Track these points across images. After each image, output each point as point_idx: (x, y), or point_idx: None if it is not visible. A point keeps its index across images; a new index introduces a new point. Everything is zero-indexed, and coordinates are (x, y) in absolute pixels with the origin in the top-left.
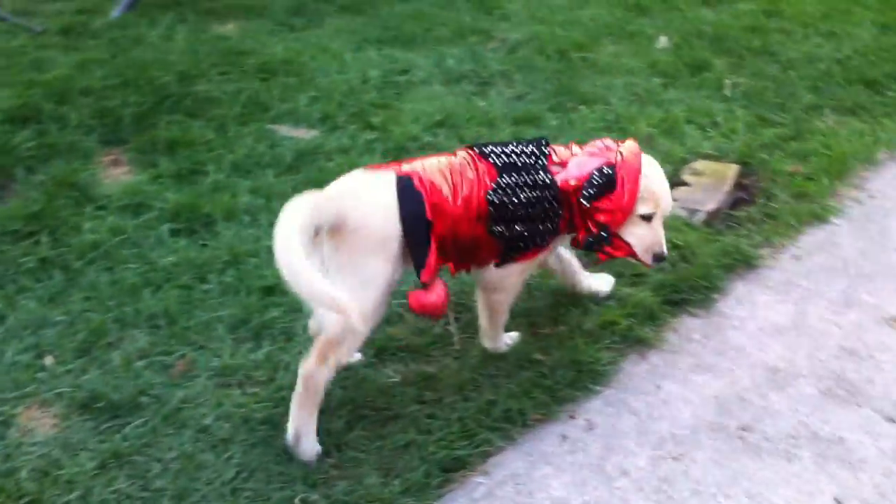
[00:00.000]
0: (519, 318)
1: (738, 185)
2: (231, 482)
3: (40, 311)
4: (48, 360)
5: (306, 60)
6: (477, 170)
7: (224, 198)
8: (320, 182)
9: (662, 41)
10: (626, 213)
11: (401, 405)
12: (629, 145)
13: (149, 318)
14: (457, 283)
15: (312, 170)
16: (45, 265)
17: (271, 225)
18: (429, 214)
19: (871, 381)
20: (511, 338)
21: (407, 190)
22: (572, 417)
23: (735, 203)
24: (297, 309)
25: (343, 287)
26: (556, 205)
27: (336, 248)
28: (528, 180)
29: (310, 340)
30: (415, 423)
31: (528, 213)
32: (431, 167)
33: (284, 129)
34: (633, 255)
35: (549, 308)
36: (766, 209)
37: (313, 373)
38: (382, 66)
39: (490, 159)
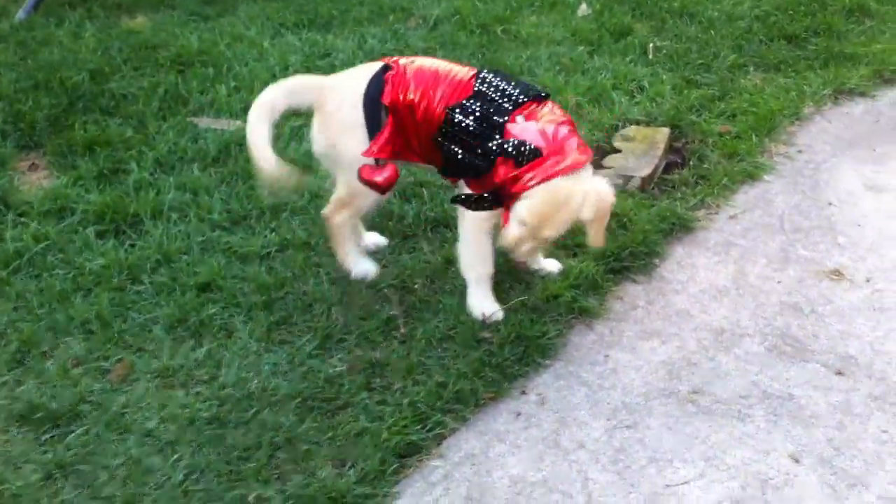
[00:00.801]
0: (463, 295)
1: (670, 149)
2: (181, 485)
3: None
4: None
5: (223, 50)
6: (459, 85)
7: (149, 196)
8: (248, 173)
9: (583, 9)
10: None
11: (350, 394)
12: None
13: (82, 323)
14: (399, 268)
15: (239, 161)
16: None
17: (201, 221)
18: (385, 100)
19: (815, 336)
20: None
21: (374, 78)
22: (524, 393)
23: (668, 167)
24: (235, 304)
25: (328, 163)
26: (493, 148)
27: (319, 128)
28: (485, 114)
29: (249, 335)
30: (366, 411)
31: (469, 142)
32: (429, 68)
33: (206, 122)
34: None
35: (494, 286)
36: (698, 171)
37: (332, 217)
38: (302, 51)
39: (476, 82)
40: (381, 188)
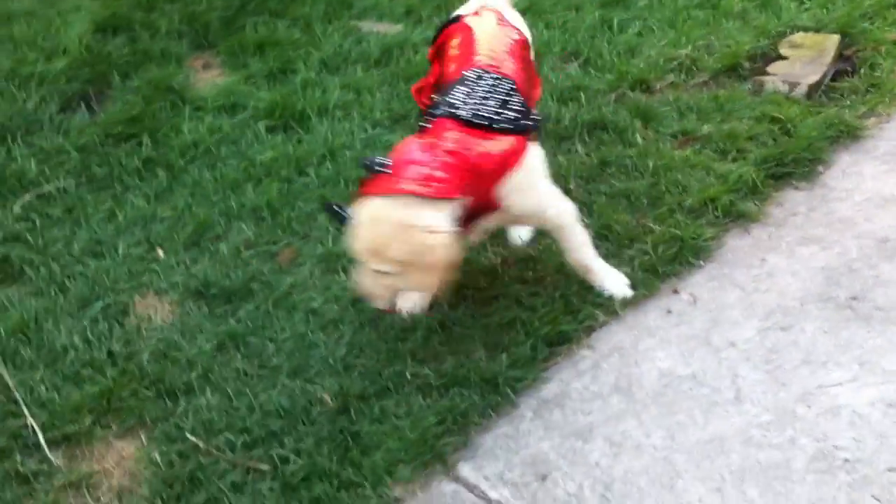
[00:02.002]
0: (618, 196)
1: (840, 57)
2: (343, 359)
3: (148, 208)
4: (160, 253)
5: None
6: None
7: (315, 94)
8: (409, 75)
9: None
10: None
11: (503, 285)
12: None
13: (252, 210)
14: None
15: (400, 63)
16: (148, 165)
17: (364, 119)
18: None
19: None
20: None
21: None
22: (675, 292)
23: (837, 75)
24: None
25: None
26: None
27: None
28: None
29: None
30: (518, 302)
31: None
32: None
33: (369, 25)
34: None
35: (649, 187)
36: (869, 79)
37: None
38: None
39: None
40: None
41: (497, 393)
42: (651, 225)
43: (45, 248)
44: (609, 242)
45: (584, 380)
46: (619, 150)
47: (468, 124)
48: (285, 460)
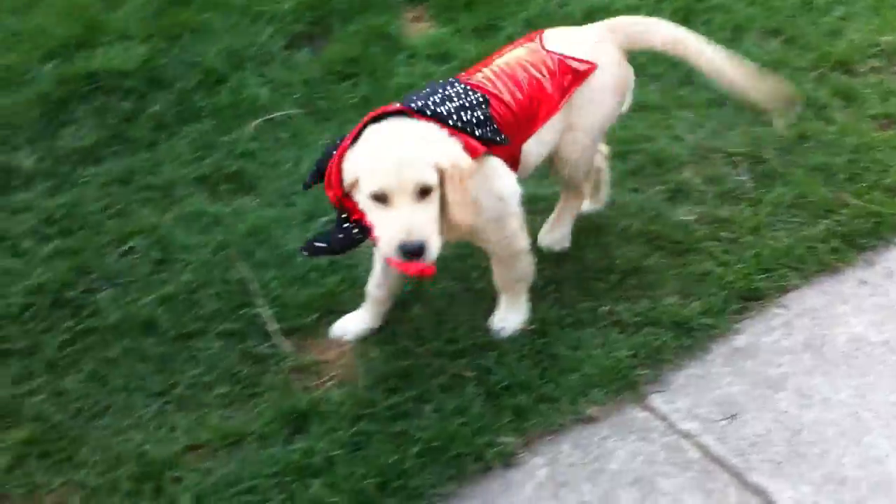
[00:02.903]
0: (816, 170)
1: None
2: (541, 290)
3: None
4: None
5: None
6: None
7: None
8: None
9: None
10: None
11: (696, 241)
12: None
13: None
14: (751, 138)
15: None
16: (365, 102)
17: None
18: None
19: None
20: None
21: None
22: (871, 265)
23: None
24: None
25: None
26: None
27: None
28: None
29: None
30: (712, 256)
31: None
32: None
33: None
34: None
35: (848, 164)
36: None
37: None
38: None
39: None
40: None
41: (689, 336)
42: (848, 199)
43: (274, 166)
44: (804, 211)
45: (774, 335)
46: (818, 126)
47: (418, 113)
48: (488, 371)
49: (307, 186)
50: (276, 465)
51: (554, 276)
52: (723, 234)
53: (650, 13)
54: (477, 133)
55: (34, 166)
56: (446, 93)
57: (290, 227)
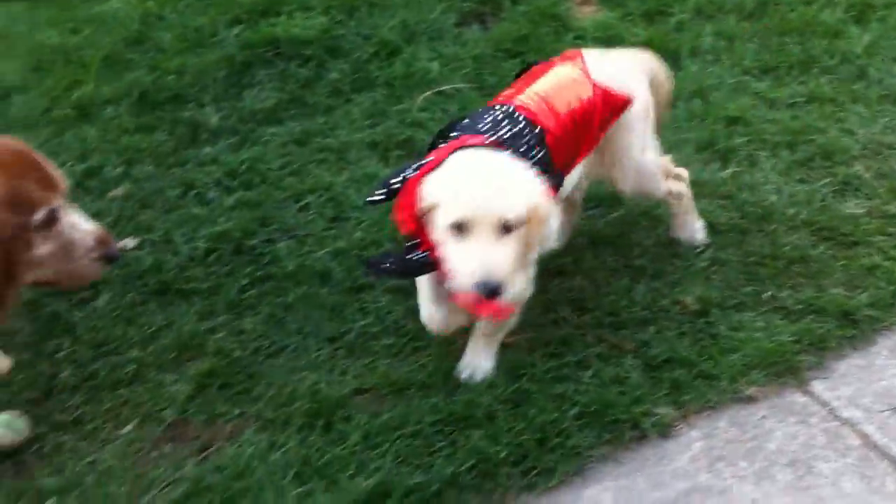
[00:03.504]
0: None
1: None
2: (704, 271)
3: None
4: None
5: None
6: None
7: (688, 37)
8: (782, 30)
9: None
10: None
11: (865, 234)
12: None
13: None
14: None
15: (774, 18)
16: None
17: (734, 66)
18: None
19: None
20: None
21: None
22: None
23: None
24: (761, 140)
25: None
26: None
27: None
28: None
29: (771, 168)
30: (881, 251)
31: None
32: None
33: None
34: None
35: None
36: None
37: None
38: None
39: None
40: None
41: (854, 327)
42: None
43: None
44: None
45: None
46: None
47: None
48: (647, 344)
49: (372, 203)
50: (438, 413)
51: (717, 258)
52: (892, 230)
53: (823, 6)
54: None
55: (219, 123)
56: (516, 130)
57: None
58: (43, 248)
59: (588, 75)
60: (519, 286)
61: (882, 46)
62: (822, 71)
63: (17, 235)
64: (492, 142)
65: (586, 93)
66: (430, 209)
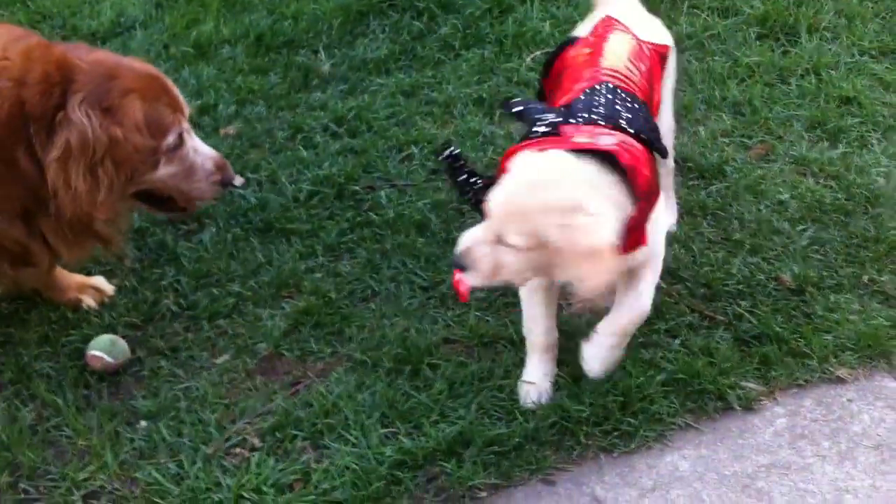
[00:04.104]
0: None
1: None
2: (803, 249)
3: None
4: None
5: None
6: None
7: (809, 12)
8: None
9: None
10: None
11: None
12: None
13: (733, 104)
14: None
15: None
16: None
17: (852, 45)
18: None
19: None
20: None
21: None
22: None
23: None
24: (873, 122)
25: None
26: None
27: None
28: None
29: (882, 151)
30: None
31: None
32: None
33: None
34: None
35: None
36: None
37: None
38: None
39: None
40: None
41: None
42: None
43: None
44: None
45: None
46: None
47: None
48: (740, 317)
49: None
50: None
51: (818, 237)
52: None
53: None
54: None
55: (331, 70)
56: (632, 108)
57: None
58: (167, 169)
59: (634, 35)
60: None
61: None
62: None
63: (148, 158)
64: (611, 126)
65: (642, 52)
66: None
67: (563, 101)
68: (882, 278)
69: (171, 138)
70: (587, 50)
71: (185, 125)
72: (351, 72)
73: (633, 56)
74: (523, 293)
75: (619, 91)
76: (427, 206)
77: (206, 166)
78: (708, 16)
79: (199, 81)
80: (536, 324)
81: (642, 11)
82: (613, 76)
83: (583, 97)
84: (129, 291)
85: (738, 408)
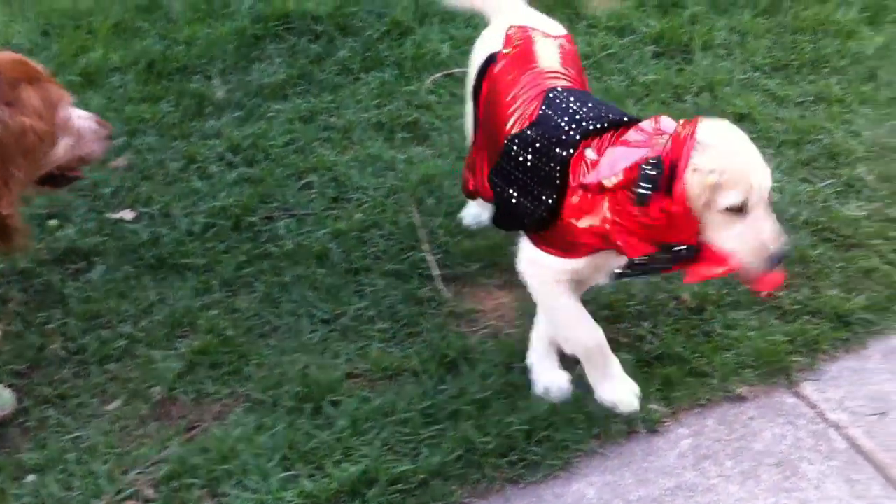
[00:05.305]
0: None
1: None
2: None
3: None
4: None
5: None
6: (531, 102)
7: (703, 30)
8: (795, 28)
9: None
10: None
11: (865, 237)
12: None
13: None
14: None
15: (787, 15)
16: None
17: (744, 62)
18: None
19: None
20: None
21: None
22: None
23: None
24: (767, 137)
25: None
26: (549, 190)
27: None
28: (545, 143)
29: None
30: (879, 255)
31: (524, 182)
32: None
33: None
34: (736, 267)
35: None
36: None
37: None
38: None
39: (546, 101)
40: None
41: (848, 330)
42: None
43: (448, 119)
44: None
45: None
46: None
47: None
48: (641, 338)
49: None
50: (429, 400)
51: None
52: (892, 233)
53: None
54: None
55: (226, 96)
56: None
57: (460, 180)
58: (64, 141)
59: (553, 35)
60: None
61: (894, 49)
62: (832, 71)
63: (48, 138)
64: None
65: (566, 49)
66: (711, 191)
67: (517, 110)
68: (778, 293)
69: (62, 112)
70: (516, 59)
71: (67, 95)
72: (246, 98)
73: (562, 54)
74: (555, 302)
75: (574, 90)
76: (327, 236)
77: (92, 127)
78: (605, 35)
79: (88, 111)
80: (583, 323)
81: (533, 11)
82: (557, 76)
83: (547, 109)
84: (14, 336)
85: (642, 430)
